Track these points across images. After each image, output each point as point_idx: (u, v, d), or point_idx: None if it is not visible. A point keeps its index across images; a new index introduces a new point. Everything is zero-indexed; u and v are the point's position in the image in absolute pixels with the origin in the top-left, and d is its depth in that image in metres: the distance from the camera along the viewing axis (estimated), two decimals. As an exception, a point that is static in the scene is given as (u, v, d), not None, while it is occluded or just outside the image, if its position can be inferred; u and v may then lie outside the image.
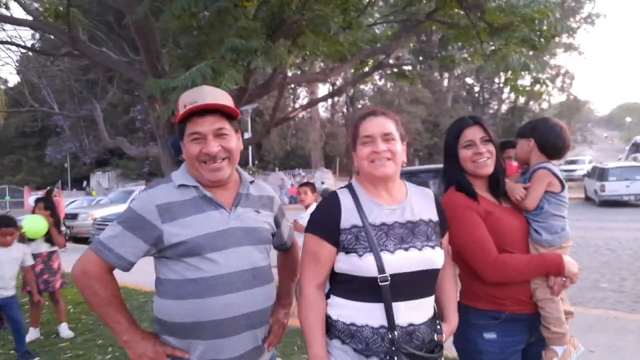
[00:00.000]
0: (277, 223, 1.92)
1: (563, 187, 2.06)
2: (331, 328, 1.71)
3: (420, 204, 1.79)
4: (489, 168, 1.97)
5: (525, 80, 5.76)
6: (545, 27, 4.10)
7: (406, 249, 1.65)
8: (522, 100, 43.74)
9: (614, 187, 17.38)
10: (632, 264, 8.22)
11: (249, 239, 1.71)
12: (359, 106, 42.14)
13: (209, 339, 1.61)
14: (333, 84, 16.07)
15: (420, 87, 34.17)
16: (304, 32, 4.33)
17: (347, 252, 1.67)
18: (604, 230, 11.65)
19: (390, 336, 1.60)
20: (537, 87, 4.61)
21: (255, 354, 1.73)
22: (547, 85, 4.59)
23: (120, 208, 15.41)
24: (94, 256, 1.62)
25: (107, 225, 9.44)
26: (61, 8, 5.85)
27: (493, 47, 4.80)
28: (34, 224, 5.15)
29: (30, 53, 11.99)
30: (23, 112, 10.64)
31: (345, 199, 1.74)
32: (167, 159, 5.56)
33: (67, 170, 38.65)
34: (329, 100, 39.47)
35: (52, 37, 9.62)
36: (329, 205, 1.76)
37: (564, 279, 1.90)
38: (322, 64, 8.43)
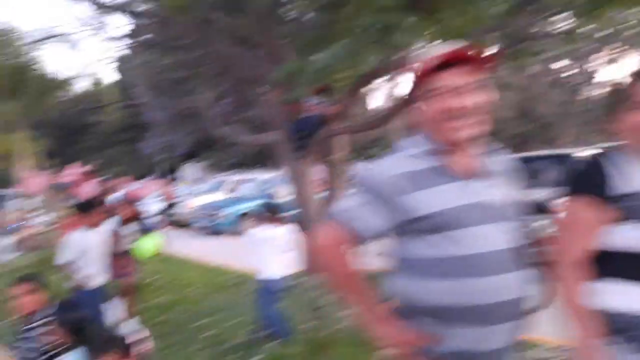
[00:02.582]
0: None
1: None
2: (611, 324, 1.43)
3: None
4: None
5: None
6: None
7: None
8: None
9: None
10: None
11: (499, 215, 1.48)
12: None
13: (468, 326, 1.41)
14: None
15: (510, 72, 32.14)
16: (441, 7, 4.05)
17: (632, 221, 1.42)
18: None
19: None
20: None
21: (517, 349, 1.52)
22: None
23: (215, 196, 15.99)
24: (337, 227, 1.52)
25: (206, 212, 9.81)
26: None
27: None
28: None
29: (130, 50, 12.66)
30: (129, 106, 11.32)
31: (606, 163, 1.52)
32: (286, 145, 5.55)
33: (159, 163, 40.96)
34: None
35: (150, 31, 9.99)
36: (595, 167, 1.53)
37: None
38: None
